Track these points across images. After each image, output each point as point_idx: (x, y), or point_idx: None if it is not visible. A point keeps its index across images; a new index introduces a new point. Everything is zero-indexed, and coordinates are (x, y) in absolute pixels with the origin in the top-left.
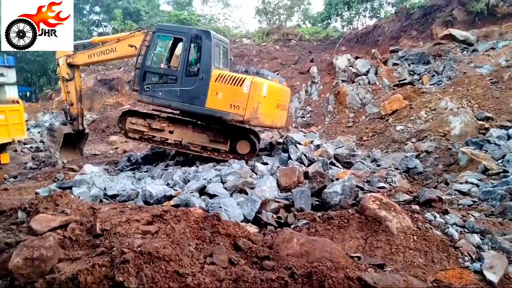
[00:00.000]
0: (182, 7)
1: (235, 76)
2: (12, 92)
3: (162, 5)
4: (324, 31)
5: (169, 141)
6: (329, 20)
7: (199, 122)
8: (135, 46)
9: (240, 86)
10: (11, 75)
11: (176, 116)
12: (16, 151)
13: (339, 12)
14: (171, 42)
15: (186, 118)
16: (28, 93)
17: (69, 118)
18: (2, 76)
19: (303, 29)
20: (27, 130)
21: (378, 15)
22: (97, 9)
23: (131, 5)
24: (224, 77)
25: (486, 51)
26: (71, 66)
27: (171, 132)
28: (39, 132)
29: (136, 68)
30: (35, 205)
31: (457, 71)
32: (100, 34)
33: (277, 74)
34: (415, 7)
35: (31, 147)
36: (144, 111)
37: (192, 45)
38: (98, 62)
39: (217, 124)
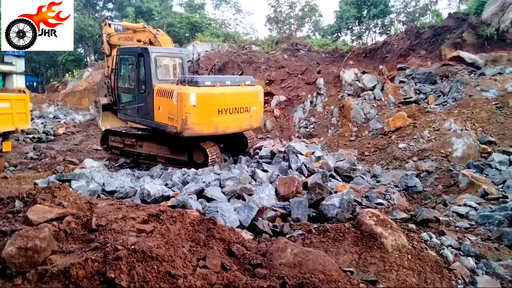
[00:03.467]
0: (194, 10)
1: (166, 89)
2: (19, 81)
3: (174, 7)
4: (333, 44)
5: (142, 154)
6: (339, 33)
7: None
8: (143, 41)
9: (171, 98)
10: (19, 65)
11: (140, 133)
12: (18, 140)
13: (350, 26)
14: (129, 62)
15: (148, 133)
16: (35, 84)
17: (109, 90)
18: (11, 65)
19: (312, 40)
20: (31, 120)
21: (388, 32)
22: (110, 5)
23: (144, 4)
24: (161, 90)
25: (493, 75)
26: (110, 44)
27: (140, 146)
28: (42, 123)
29: (113, 90)
30: (33, 196)
31: (463, 93)
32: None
33: (242, 75)
34: (426, 27)
35: (34, 138)
36: (119, 129)
37: (138, 63)
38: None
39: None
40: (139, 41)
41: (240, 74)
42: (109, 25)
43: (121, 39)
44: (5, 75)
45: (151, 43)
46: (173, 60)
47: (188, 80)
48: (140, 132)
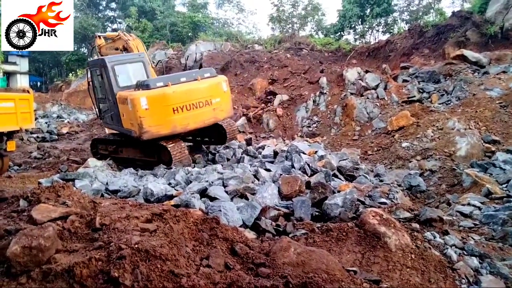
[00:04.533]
0: (197, 9)
1: (124, 96)
2: (23, 81)
3: (177, 6)
4: (336, 43)
5: (124, 159)
6: (342, 32)
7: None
8: (120, 49)
9: (127, 104)
10: (23, 64)
11: (118, 139)
12: (22, 139)
13: (353, 25)
14: (97, 74)
15: (123, 139)
16: (38, 83)
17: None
18: (15, 64)
19: (315, 39)
20: (35, 120)
21: (391, 31)
22: (113, 5)
23: (146, 4)
24: (121, 98)
25: (497, 74)
26: (102, 55)
27: (121, 151)
28: (46, 123)
29: (93, 101)
30: (37, 195)
31: (466, 92)
32: (114, 30)
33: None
34: (429, 26)
35: (38, 137)
36: (103, 137)
37: (101, 74)
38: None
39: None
40: (116, 49)
41: (199, 68)
42: (99, 37)
43: (107, 49)
44: (9, 74)
45: (125, 49)
46: (134, 65)
47: (141, 84)
48: (118, 138)
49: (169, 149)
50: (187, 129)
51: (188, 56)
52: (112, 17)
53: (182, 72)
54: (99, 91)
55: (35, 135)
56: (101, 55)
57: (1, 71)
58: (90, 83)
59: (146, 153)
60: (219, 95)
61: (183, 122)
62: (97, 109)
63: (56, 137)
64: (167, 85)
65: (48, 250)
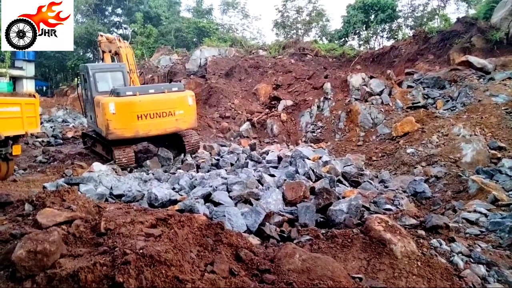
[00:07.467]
0: (202, 15)
1: (97, 100)
2: (29, 86)
3: (182, 12)
4: (340, 49)
5: (96, 153)
6: (346, 38)
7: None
8: (112, 52)
9: (99, 107)
10: (30, 69)
11: (93, 135)
12: (27, 143)
13: (357, 31)
14: (83, 78)
15: (96, 136)
16: (44, 88)
17: None
18: (21, 69)
19: (319, 45)
20: (40, 124)
21: (395, 37)
22: (118, 11)
23: (152, 10)
24: (96, 102)
25: (502, 80)
26: (102, 51)
27: (95, 146)
28: (51, 127)
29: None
30: (42, 199)
31: (472, 98)
32: (120, 36)
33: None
34: (434, 32)
35: (43, 141)
36: (87, 132)
37: (85, 78)
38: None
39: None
40: (110, 51)
41: (170, 82)
42: (101, 35)
43: (105, 46)
44: (15, 79)
45: (116, 54)
46: (113, 74)
47: (113, 91)
48: (94, 135)
49: (114, 152)
50: (149, 135)
51: (170, 71)
52: (117, 22)
53: (152, 85)
54: (84, 92)
55: (40, 139)
56: (101, 50)
57: (8, 76)
58: (79, 84)
59: (106, 151)
60: (183, 108)
61: (146, 128)
62: (83, 108)
63: (61, 141)
64: (135, 95)
65: (53, 254)
